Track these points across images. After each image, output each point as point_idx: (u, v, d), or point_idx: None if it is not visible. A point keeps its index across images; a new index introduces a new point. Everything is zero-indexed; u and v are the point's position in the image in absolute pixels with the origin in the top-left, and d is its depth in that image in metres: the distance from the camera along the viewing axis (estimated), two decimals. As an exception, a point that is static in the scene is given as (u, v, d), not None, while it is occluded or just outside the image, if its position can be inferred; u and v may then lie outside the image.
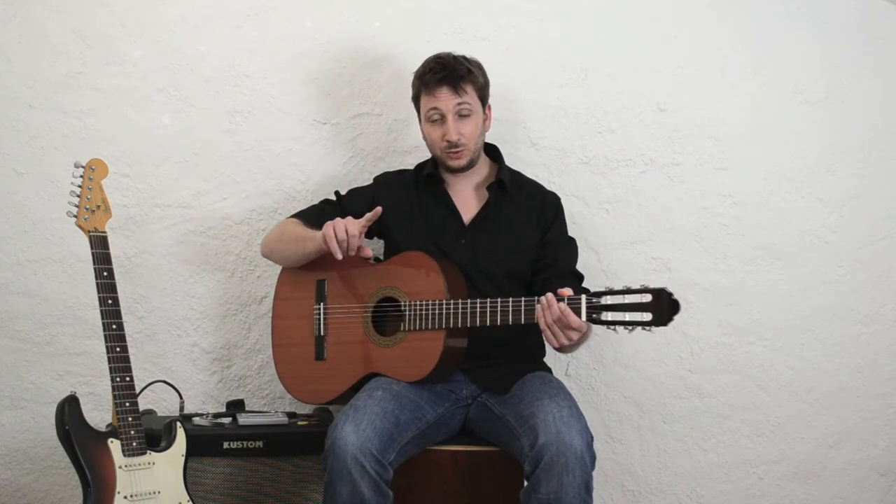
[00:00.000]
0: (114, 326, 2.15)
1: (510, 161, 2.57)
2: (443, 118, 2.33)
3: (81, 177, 2.20)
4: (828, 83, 2.78)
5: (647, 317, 1.97)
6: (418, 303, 2.24)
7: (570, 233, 2.51)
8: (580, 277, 2.42)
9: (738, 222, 2.79)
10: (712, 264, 2.79)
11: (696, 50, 2.78)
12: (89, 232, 2.19)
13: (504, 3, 2.76)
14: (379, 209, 2.25)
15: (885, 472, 2.84)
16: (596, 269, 2.76)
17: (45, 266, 2.72)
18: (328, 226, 2.23)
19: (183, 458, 2.19)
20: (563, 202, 2.51)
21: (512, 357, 2.38)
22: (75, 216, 2.19)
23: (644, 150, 2.77)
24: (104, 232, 2.20)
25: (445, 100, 2.32)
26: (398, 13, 2.75)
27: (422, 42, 2.66)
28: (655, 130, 2.77)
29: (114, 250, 2.22)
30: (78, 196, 2.19)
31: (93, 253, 2.18)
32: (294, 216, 2.50)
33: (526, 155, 2.75)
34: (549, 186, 2.56)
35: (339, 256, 2.22)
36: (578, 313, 2.02)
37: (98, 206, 2.21)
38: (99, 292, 2.16)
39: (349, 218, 2.26)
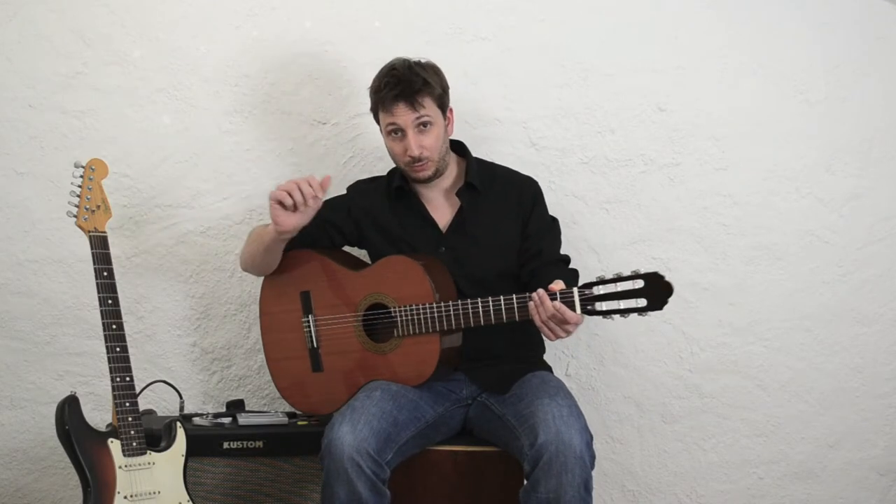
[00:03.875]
0: (114, 326, 2.15)
1: (510, 161, 2.57)
2: (403, 132, 2.29)
3: (81, 177, 2.21)
4: (828, 83, 2.78)
5: (643, 302, 1.97)
6: (409, 307, 2.23)
7: (571, 233, 2.50)
8: (567, 261, 2.40)
9: (738, 222, 2.79)
10: (712, 264, 2.79)
11: (696, 50, 2.77)
12: (89, 232, 2.19)
13: (504, 3, 2.76)
14: (328, 177, 2.20)
15: (885, 472, 2.84)
16: (596, 269, 2.76)
17: (45, 266, 2.72)
18: (272, 193, 2.18)
19: (183, 458, 2.19)
20: (563, 202, 2.51)
21: (511, 356, 2.37)
22: (75, 216, 2.19)
23: (644, 150, 2.77)
24: (104, 232, 2.21)
25: (403, 115, 2.27)
26: (398, 13, 2.75)
27: (422, 42, 2.66)
28: (655, 130, 2.77)
29: (114, 250, 2.22)
30: (78, 196, 2.19)
31: (93, 253, 2.18)
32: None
33: (526, 155, 2.75)
34: (549, 186, 2.55)
35: (307, 200, 2.16)
36: (572, 307, 2.02)
37: (98, 206, 2.21)
38: (99, 292, 2.16)
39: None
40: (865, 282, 2.80)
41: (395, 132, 2.31)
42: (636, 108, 2.77)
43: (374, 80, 2.33)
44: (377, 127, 2.74)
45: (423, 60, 2.33)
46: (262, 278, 2.48)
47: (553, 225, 2.44)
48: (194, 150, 2.75)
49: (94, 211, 2.20)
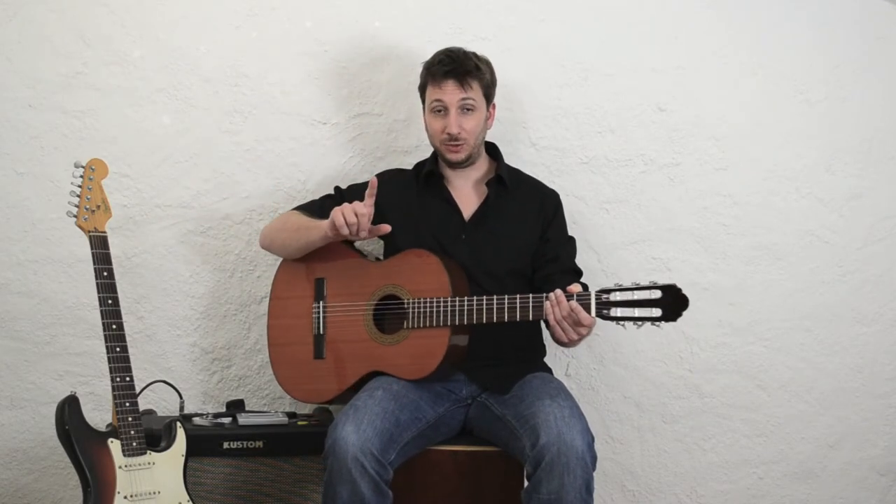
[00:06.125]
0: (114, 326, 2.15)
1: (510, 161, 2.57)
2: (446, 110, 2.35)
3: (81, 177, 2.20)
4: (828, 83, 2.79)
5: (657, 312, 2.00)
6: (422, 300, 2.24)
7: (570, 232, 2.51)
8: (580, 273, 2.42)
9: (738, 222, 2.79)
10: (712, 264, 2.79)
11: (696, 50, 2.78)
12: (89, 232, 2.18)
13: (504, 3, 2.76)
14: (374, 180, 2.25)
15: (885, 472, 2.85)
16: (596, 269, 2.76)
17: (45, 266, 2.72)
18: (336, 212, 2.23)
19: (183, 458, 2.19)
20: (563, 202, 2.52)
21: (512, 357, 2.38)
22: (75, 216, 2.19)
23: (644, 150, 2.77)
24: (104, 232, 2.20)
25: (450, 93, 2.33)
26: (398, 13, 2.75)
27: (422, 42, 2.66)
28: (655, 130, 2.77)
29: (114, 250, 2.22)
30: (78, 196, 2.19)
31: (93, 253, 2.18)
32: (295, 209, 2.50)
33: (526, 155, 2.75)
34: (549, 186, 2.56)
35: (361, 237, 2.24)
36: (588, 309, 2.05)
37: (98, 206, 2.21)
38: (99, 292, 2.16)
39: (354, 202, 2.25)
40: (865, 282, 2.81)
41: (438, 109, 2.36)
42: (636, 108, 2.77)
43: (429, 59, 2.40)
44: (377, 127, 2.76)
45: (478, 53, 2.40)
46: (272, 268, 2.51)
47: (571, 239, 2.49)
48: (194, 150, 2.74)
49: (94, 211, 2.20)
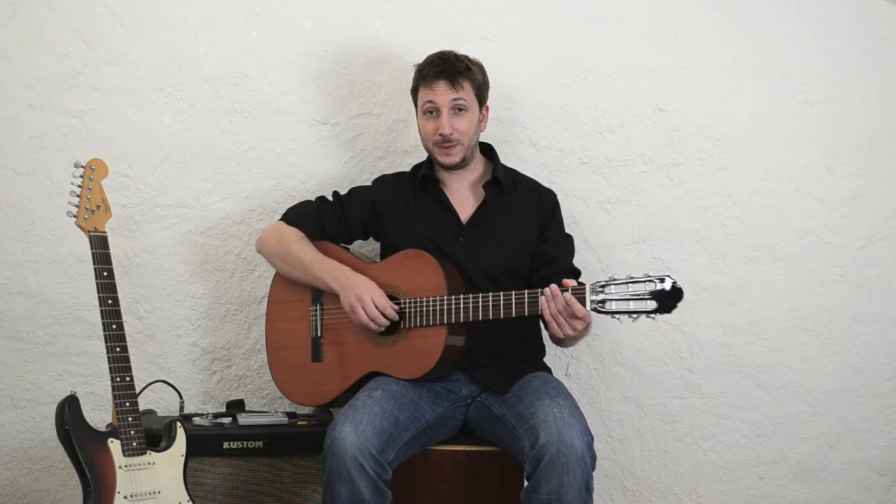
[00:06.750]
0: (114, 326, 2.15)
1: (510, 161, 2.57)
2: (438, 112, 2.35)
3: (81, 177, 2.21)
4: (828, 83, 2.78)
5: (652, 305, 2.00)
6: (419, 300, 2.24)
7: (570, 232, 2.51)
8: (578, 273, 2.42)
9: (738, 222, 2.79)
10: (712, 264, 2.79)
11: (696, 50, 2.78)
12: (89, 232, 2.19)
13: (504, 3, 2.76)
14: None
15: (885, 472, 2.84)
16: (596, 269, 2.76)
17: (45, 266, 2.72)
18: (358, 309, 2.24)
19: (183, 458, 2.19)
20: (563, 202, 2.52)
21: (512, 357, 2.38)
22: (75, 216, 2.19)
23: (644, 150, 2.77)
24: (104, 232, 2.21)
25: (442, 94, 2.33)
26: (398, 13, 2.75)
27: (422, 42, 2.66)
28: (655, 130, 2.77)
29: (114, 250, 2.22)
30: (78, 196, 2.19)
31: (93, 253, 2.18)
32: (292, 221, 2.47)
33: (526, 155, 2.75)
34: (549, 186, 2.56)
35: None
36: (583, 303, 2.05)
37: (98, 206, 2.21)
38: (99, 292, 2.16)
39: (375, 300, 2.25)
40: (865, 282, 2.80)
41: (430, 111, 2.37)
42: (636, 108, 2.77)
43: (421, 62, 2.40)
44: (377, 127, 2.76)
45: (470, 56, 2.41)
46: (272, 269, 2.51)
47: (569, 238, 2.49)
48: (194, 150, 2.74)
49: (94, 211, 2.20)
